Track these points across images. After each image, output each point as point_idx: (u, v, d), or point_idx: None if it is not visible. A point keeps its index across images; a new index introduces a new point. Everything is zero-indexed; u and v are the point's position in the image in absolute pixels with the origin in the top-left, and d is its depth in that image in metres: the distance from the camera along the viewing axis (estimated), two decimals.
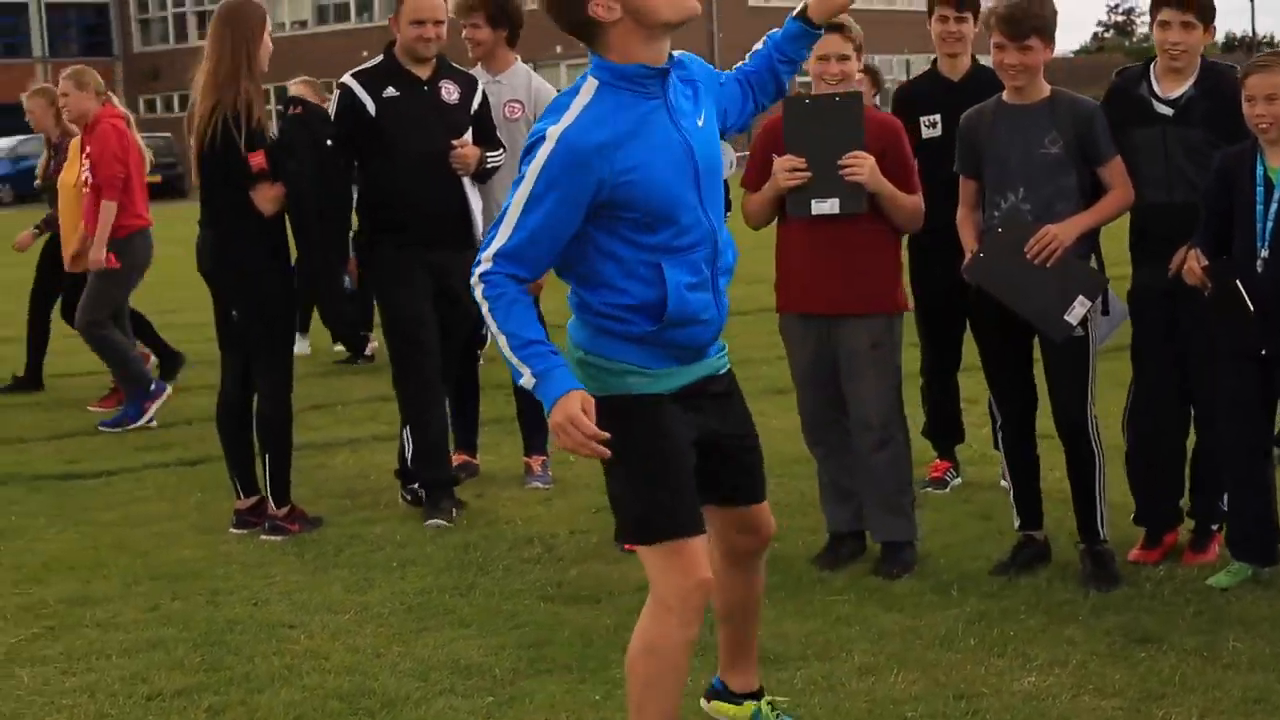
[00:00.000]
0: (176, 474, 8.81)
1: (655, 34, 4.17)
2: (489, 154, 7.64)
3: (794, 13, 4.80)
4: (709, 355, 4.46)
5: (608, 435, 4.05)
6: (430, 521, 7.51)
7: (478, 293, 4.13)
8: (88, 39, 65.43)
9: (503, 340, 4.11)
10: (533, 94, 8.10)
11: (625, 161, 4.11)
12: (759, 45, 4.86)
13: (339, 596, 6.49)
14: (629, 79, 4.16)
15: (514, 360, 4.11)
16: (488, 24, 7.99)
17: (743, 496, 4.62)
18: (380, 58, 7.74)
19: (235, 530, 7.50)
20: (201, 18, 61.20)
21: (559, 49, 45.64)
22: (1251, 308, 5.91)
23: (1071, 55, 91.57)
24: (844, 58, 6.42)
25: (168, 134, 41.87)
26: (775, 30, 4.84)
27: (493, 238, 4.15)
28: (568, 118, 4.11)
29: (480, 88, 7.78)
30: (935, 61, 7.80)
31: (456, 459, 8.19)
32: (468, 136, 7.62)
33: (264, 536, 7.38)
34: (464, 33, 8.05)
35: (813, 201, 6.42)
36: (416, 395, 7.70)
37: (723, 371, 4.54)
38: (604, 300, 4.24)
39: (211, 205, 7.40)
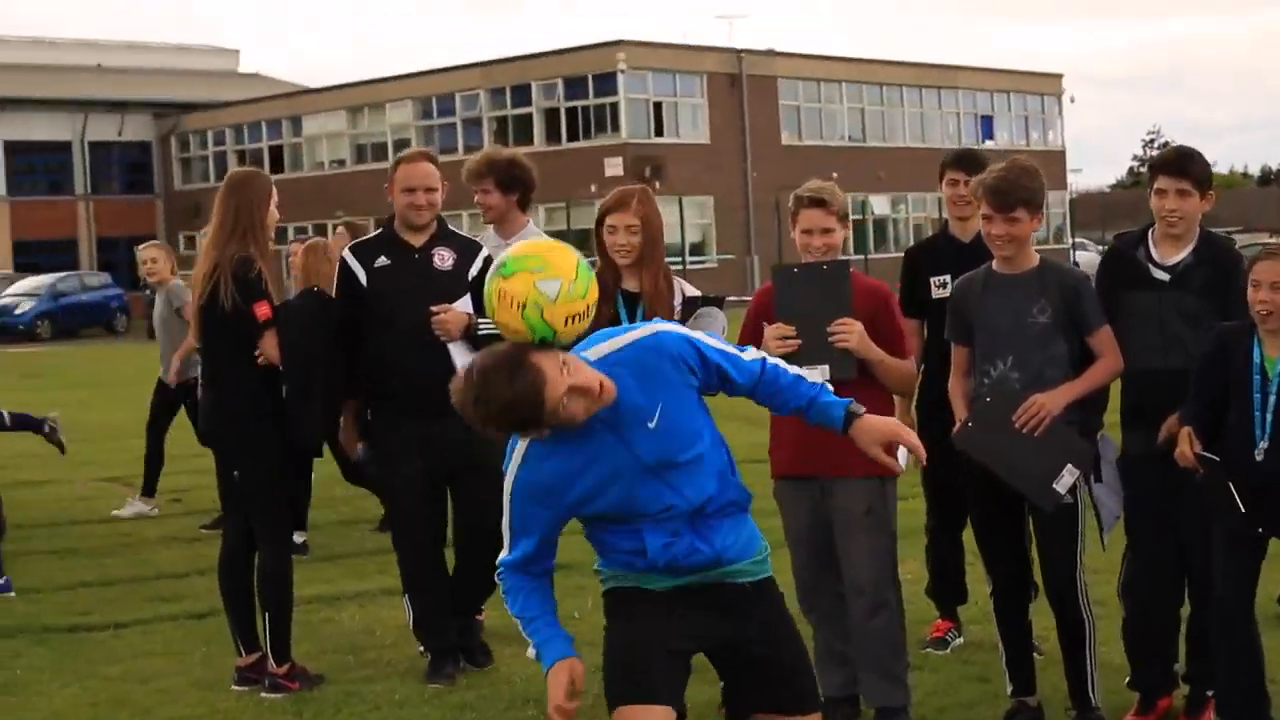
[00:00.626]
0: (184, 627, 8.84)
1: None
2: (486, 320, 7.59)
3: (853, 407, 4.91)
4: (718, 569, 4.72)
5: (571, 707, 4.49)
6: (431, 684, 7.52)
7: (500, 587, 4.72)
8: (129, 177, 66.36)
9: (520, 622, 4.72)
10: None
11: (573, 492, 4.52)
12: (790, 388, 4.93)
13: None
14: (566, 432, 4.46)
15: (526, 634, 4.74)
16: (498, 189, 8.05)
17: (787, 706, 4.72)
18: (380, 229, 7.84)
19: (236, 687, 7.53)
20: (241, 156, 62.23)
21: (594, 188, 46.35)
22: (1243, 508, 5.91)
23: (1108, 190, 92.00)
24: (827, 230, 6.51)
25: None
26: (817, 392, 4.92)
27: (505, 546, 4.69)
28: (515, 459, 4.55)
29: (482, 254, 7.74)
30: (947, 223, 7.89)
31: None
32: (462, 303, 7.58)
33: (264, 694, 7.40)
34: (475, 198, 8.10)
35: (803, 369, 6.46)
36: (412, 564, 7.74)
37: (741, 580, 4.72)
38: (602, 554, 4.76)
39: (213, 364, 7.53)
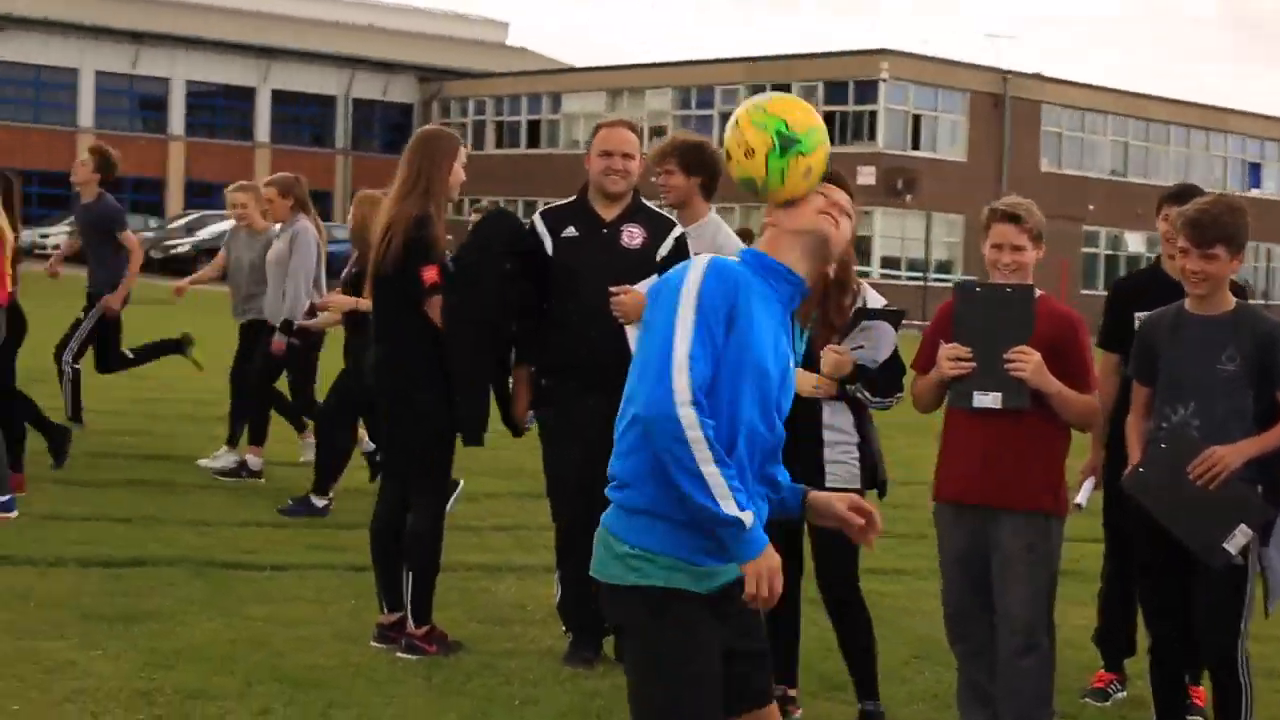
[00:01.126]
0: (340, 577, 8.81)
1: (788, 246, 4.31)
2: None
3: (809, 497, 4.56)
4: None
5: None
6: (568, 666, 7.40)
7: (693, 418, 3.98)
8: (390, 136, 67.54)
9: (712, 469, 4.00)
10: (717, 248, 7.65)
11: (746, 309, 4.13)
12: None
13: None
14: (772, 273, 4.27)
15: (724, 491, 4.00)
16: (681, 171, 7.65)
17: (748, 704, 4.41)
18: (575, 197, 7.66)
19: (374, 644, 7.48)
20: (499, 127, 62.97)
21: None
22: None
23: None
24: (1018, 248, 6.20)
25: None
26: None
27: (669, 388, 4.00)
28: (700, 261, 4.18)
29: (674, 233, 7.51)
30: (1159, 258, 7.53)
31: None
32: (646, 284, 7.22)
33: (399, 654, 7.35)
34: (658, 179, 7.74)
35: (975, 393, 6.20)
36: (564, 541, 7.63)
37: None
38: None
39: (382, 321, 7.47)
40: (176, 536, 9.61)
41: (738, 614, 4.28)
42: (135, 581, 8.37)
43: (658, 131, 57.33)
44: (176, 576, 8.53)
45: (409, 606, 7.44)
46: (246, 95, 63.62)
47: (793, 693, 6.93)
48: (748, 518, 4.02)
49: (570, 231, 7.48)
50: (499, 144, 63.17)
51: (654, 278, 7.29)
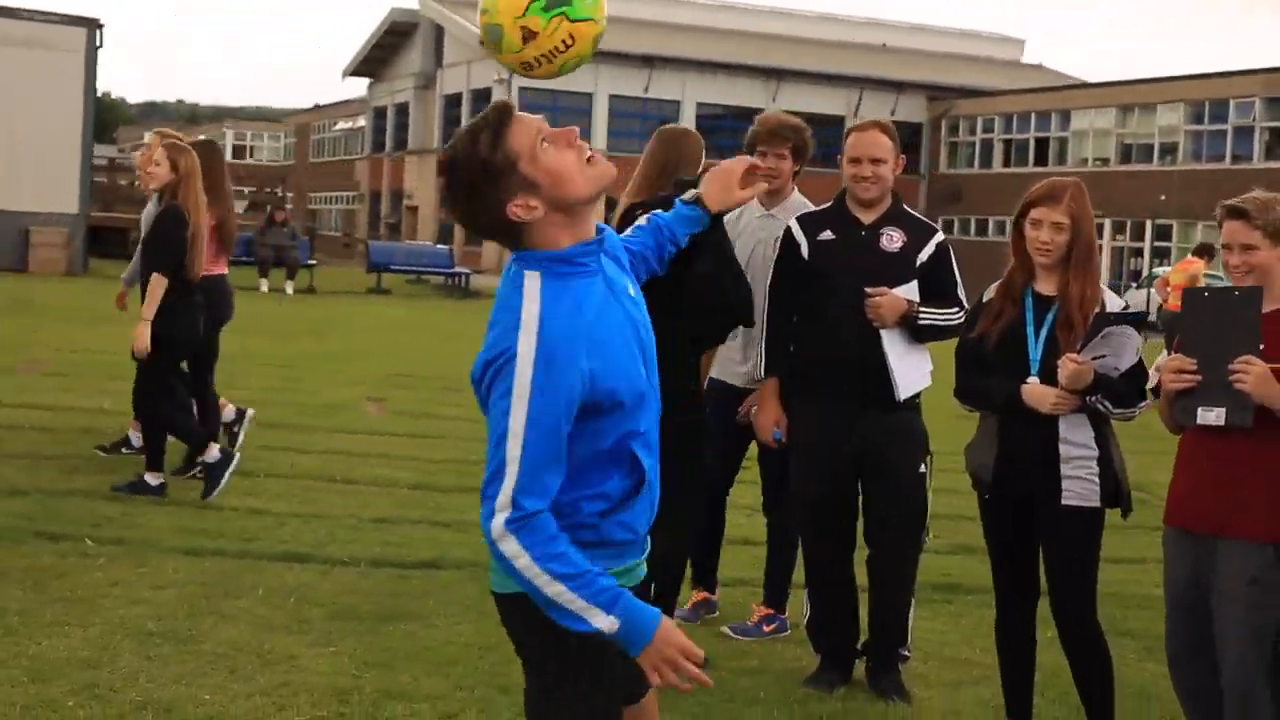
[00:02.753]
0: None
1: (579, 213, 3.73)
2: (933, 310, 7.02)
3: (685, 196, 4.41)
4: (641, 554, 3.94)
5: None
6: (806, 688, 7.06)
7: (509, 547, 3.52)
8: (823, 149, 67.29)
9: (557, 589, 3.51)
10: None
11: (597, 350, 3.63)
12: (643, 221, 4.41)
13: None
14: (567, 260, 3.70)
15: (579, 604, 3.51)
16: (792, 156, 7.72)
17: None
18: (831, 202, 7.33)
19: None
20: (1007, 145, 62.01)
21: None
22: None
23: None
24: (1248, 247, 5.55)
25: None
26: (660, 212, 4.47)
27: (497, 484, 3.56)
28: (529, 323, 3.59)
29: (935, 238, 7.15)
30: None
31: (696, 597, 8.13)
32: (905, 289, 6.99)
33: None
34: (765, 160, 7.64)
35: (1199, 409, 5.57)
36: (814, 560, 7.30)
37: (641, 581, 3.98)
38: (576, 502, 3.70)
39: None
40: (431, 537, 9.65)
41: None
42: (416, 583, 8.39)
43: (1169, 147, 55.44)
44: (454, 579, 8.52)
45: None
46: (754, 116, 64.43)
47: None
48: (612, 625, 3.51)
49: (827, 234, 7.17)
50: (1006, 163, 62.17)
51: (914, 283, 6.98)
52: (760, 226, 7.74)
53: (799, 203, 7.83)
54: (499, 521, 3.52)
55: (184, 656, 6.81)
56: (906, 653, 7.28)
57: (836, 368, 7.05)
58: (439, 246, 48.96)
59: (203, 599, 7.77)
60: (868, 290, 6.94)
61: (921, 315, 6.98)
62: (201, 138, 11.71)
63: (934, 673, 7.45)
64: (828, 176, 58.39)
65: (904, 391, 7.00)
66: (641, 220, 4.48)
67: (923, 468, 7.10)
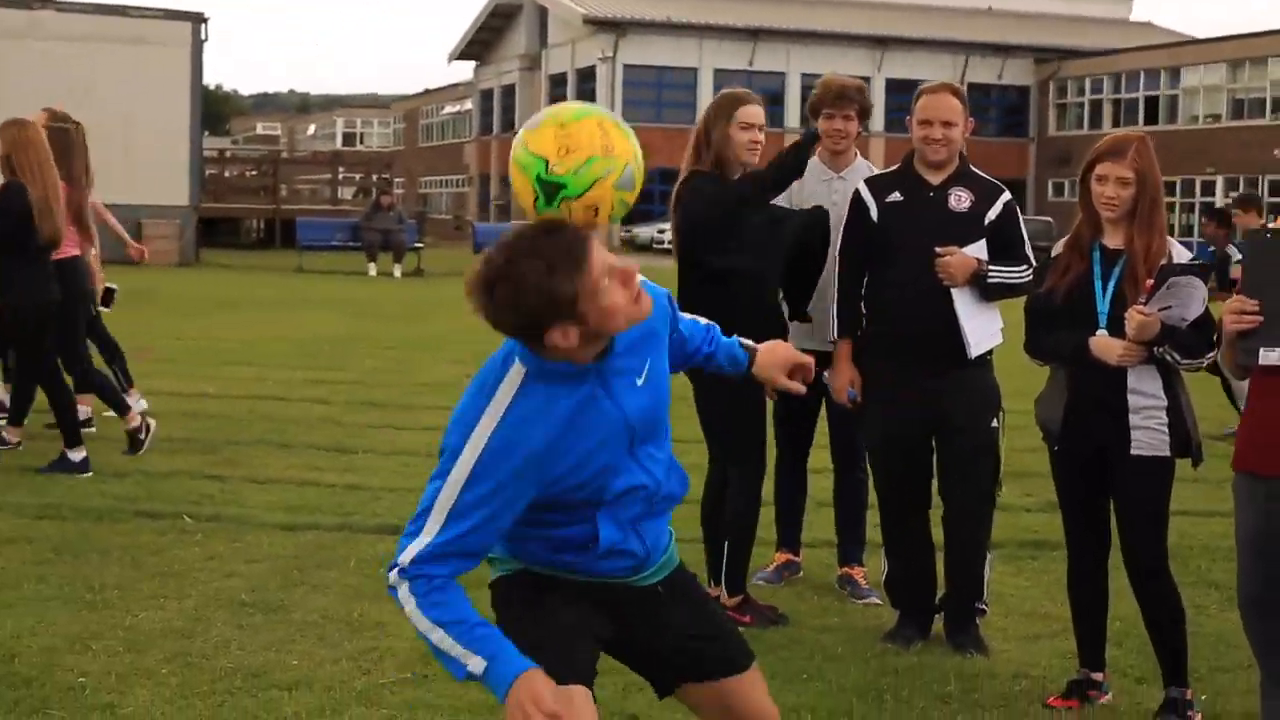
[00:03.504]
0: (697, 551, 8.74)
1: (601, 340, 3.73)
2: (1002, 268, 7.07)
3: (744, 344, 4.49)
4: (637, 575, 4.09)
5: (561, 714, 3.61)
6: (884, 644, 7.12)
7: (400, 592, 3.66)
8: (1005, 119, 66.86)
9: (439, 634, 3.63)
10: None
11: (561, 463, 3.72)
12: (699, 328, 4.46)
13: None
14: (561, 374, 3.72)
15: (458, 649, 3.63)
16: (858, 118, 7.81)
17: (717, 672, 4.19)
18: (899, 163, 7.38)
19: None
20: (1116, 105, 61.35)
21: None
22: None
23: None
24: None
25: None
26: (721, 334, 4.55)
27: (410, 537, 3.68)
28: (496, 411, 3.68)
29: (1003, 198, 7.18)
30: None
31: (780, 558, 8.16)
32: (974, 248, 7.04)
33: None
34: (832, 123, 7.79)
35: (1261, 350, 5.58)
36: (891, 522, 7.38)
37: (653, 581, 4.13)
38: (517, 544, 3.95)
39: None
40: None
41: (636, 606, 4.10)
42: None
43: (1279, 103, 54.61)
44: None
45: (724, 576, 7.39)
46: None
47: (1097, 676, 6.43)
48: (480, 665, 3.61)
49: (895, 196, 7.22)
50: (1116, 123, 61.49)
51: (982, 242, 7.03)
52: (829, 189, 7.81)
53: (864, 165, 7.91)
54: (395, 572, 3.68)
55: (274, 625, 7.00)
56: (984, 607, 7.34)
57: (908, 327, 7.10)
58: None
59: (295, 570, 7.97)
60: (937, 249, 6.99)
61: (991, 273, 7.02)
62: (59, 124, 11.67)
63: (1013, 626, 7.49)
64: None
65: (975, 349, 7.04)
66: (702, 319, 4.50)
67: (995, 423, 7.15)
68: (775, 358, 4.44)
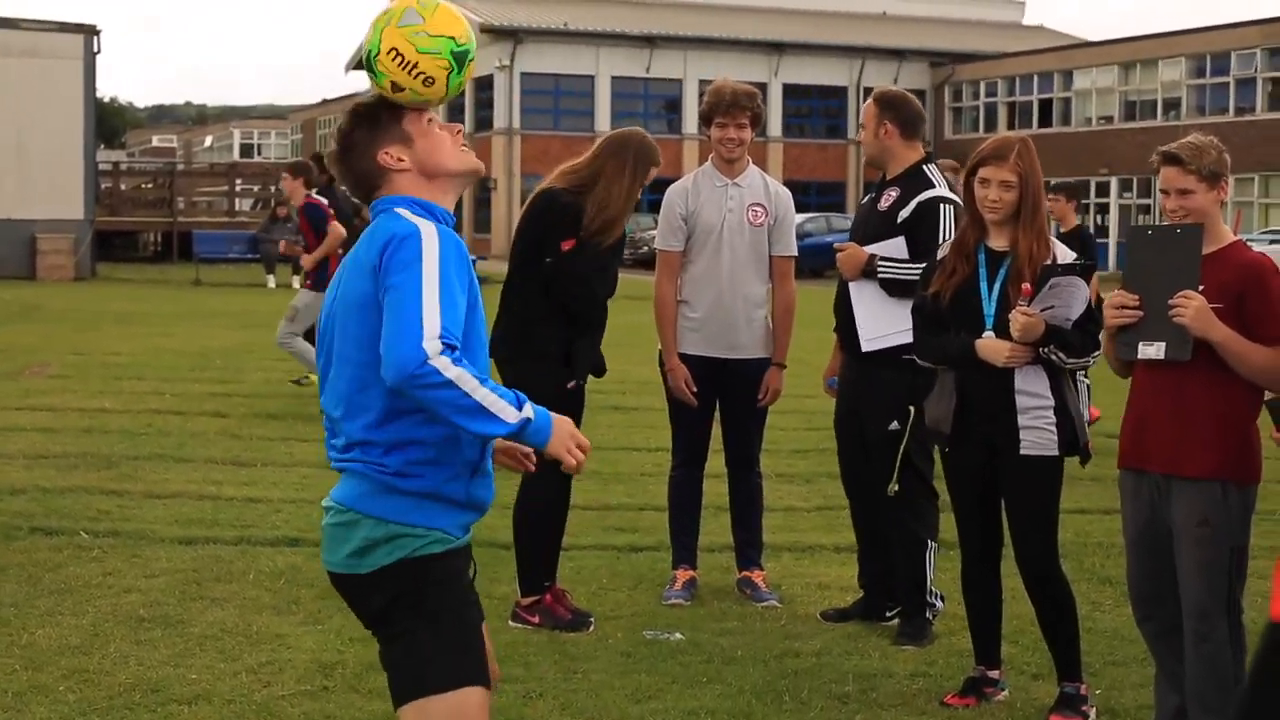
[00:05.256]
0: (624, 560, 8.78)
1: (440, 185, 4.09)
2: (894, 263, 7.25)
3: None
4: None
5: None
6: (899, 645, 7.27)
7: (453, 372, 3.72)
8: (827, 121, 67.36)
9: (483, 392, 3.75)
10: (772, 196, 8.01)
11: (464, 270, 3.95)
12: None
13: (620, 706, 6.30)
14: (441, 217, 4.04)
15: (500, 404, 3.77)
16: (750, 125, 7.91)
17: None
18: None
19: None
20: (1011, 108, 61.92)
21: None
22: None
23: None
24: (1184, 191, 5.68)
25: None
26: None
27: (417, 330, 3.75)
28: (426, 220, 3.96)
29: (920, 196, 7.38)
30: None
31: (683, 575, 8.12)
32: (890, 244, 7.34)
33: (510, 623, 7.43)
34: (725, 131, 7.91)
35: (1140, 344, 5.71)
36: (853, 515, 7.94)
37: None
38: (414, 450, 3.94)
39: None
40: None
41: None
42: None
43: (1171, 102, 55.35)
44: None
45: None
46: (759, 91, 64.40)
47: (994, 674, 6.54)
48: (529, 411, 3.81)
49: (868, 196, 7.82)
50: (1011, 125, 61.99)
51: (900, 239, 7.28)
52: (727, 196, 7.91)
53: (756, 173, 8.03)
54: (435, 350, 3.71)
55: (173, 640, 6.98)
56: (933, 601, 7.50)
57: (836, 319, 7.58)
58: None
59: (194, 585, 7.94)
60: (835, 245, 7.40)
61: (881, 268, 7.25)
62: None
63: None
64: (831, 148, 58.60)
65: (868, 344, 7.24)
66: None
67: (894, 424, 7.26)
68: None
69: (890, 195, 7.41)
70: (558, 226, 7.32)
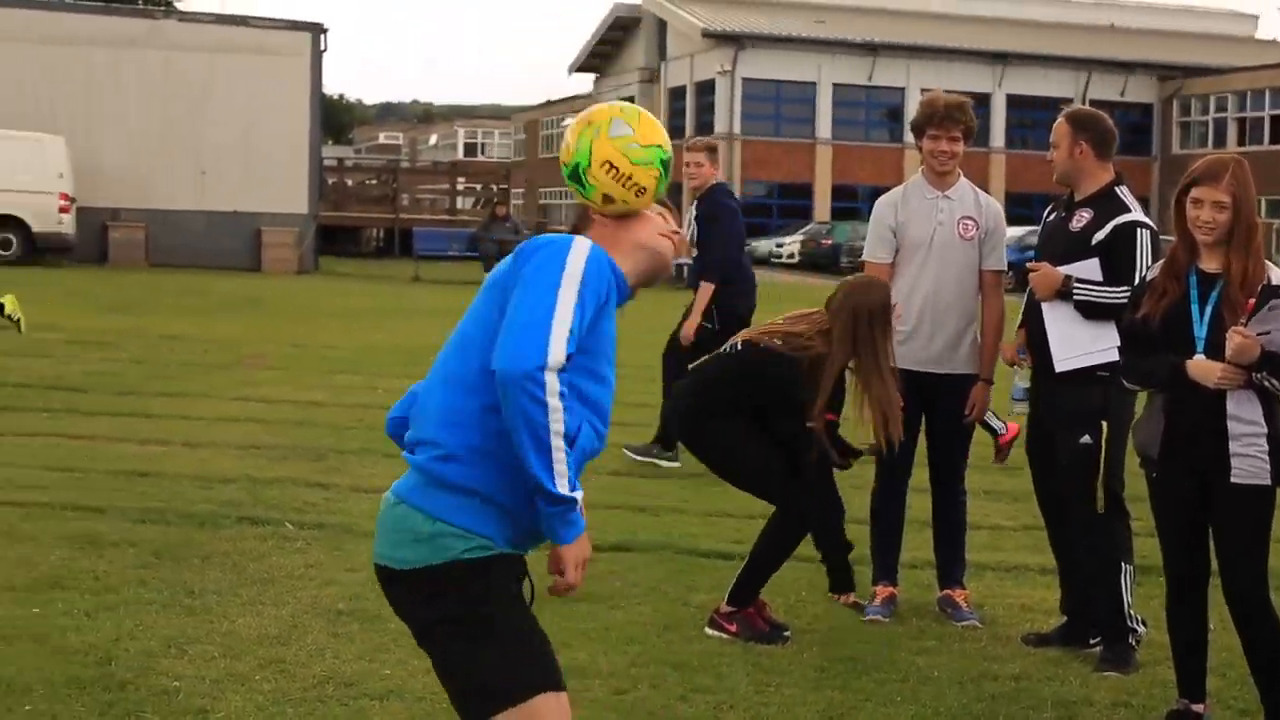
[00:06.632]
0: (801, 569, 8.63)
1: (626, 250, 4.14)
2: (1091, 286, 7.13)
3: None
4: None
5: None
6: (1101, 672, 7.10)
7: (552, 399, 3.73)
8: (1127, 137, 65.91)
9: (559, 442, 3.75)
10: (983, 209, 7.88)
11: (609, 309, 3.99)
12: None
13: None
14: (620, 282, 4.04)
15: (564, 468, 3.77)
16: (963, 138, 7.83)
17: None
18: None
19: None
20: (1241, 124, 60.41)
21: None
22: None
23: None
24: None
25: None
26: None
27: (544, 340, 3.75)
28: (579, 253, 3.93)
29: (1117, 219, 7.20)
30: None
31: (883, 592, 8.01)
32: (1083, 265, 7.16)
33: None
34: (937, 143, 7.82)
35: None
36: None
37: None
38: (478, 458, 3.92)
39: None
40: (649, 523, 9.78)
41: None
42: (604, 566, 8.36)
43: None
44: (640, 562, 8.63)
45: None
46: (982, 101, 63.59)
47: (1198, 708, 6.32)
48: (579, 498, 3.82)
49: (1053, 215, 7.57)
50: (1241, 141, 60.54)
51: (1094, 261, 7.13)
52: (938, 208, 7.81)
53: (967, 186, 7.90)
54: (556, 364, 3.72)
55: (369, 634, 7.03)
56: (1135, 626, 7.26)
57: (1029, 339, 7.44)
58: None
59: None
60: (1028, 265, 7.25)
61: (1077, 290, 7.16)
62: None
63: None
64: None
65: (1061, 364, 7.14)
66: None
67: (1087, 439, 7.11)
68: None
69: (1083, 216, 7.26)
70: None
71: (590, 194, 4.08)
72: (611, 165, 4.04)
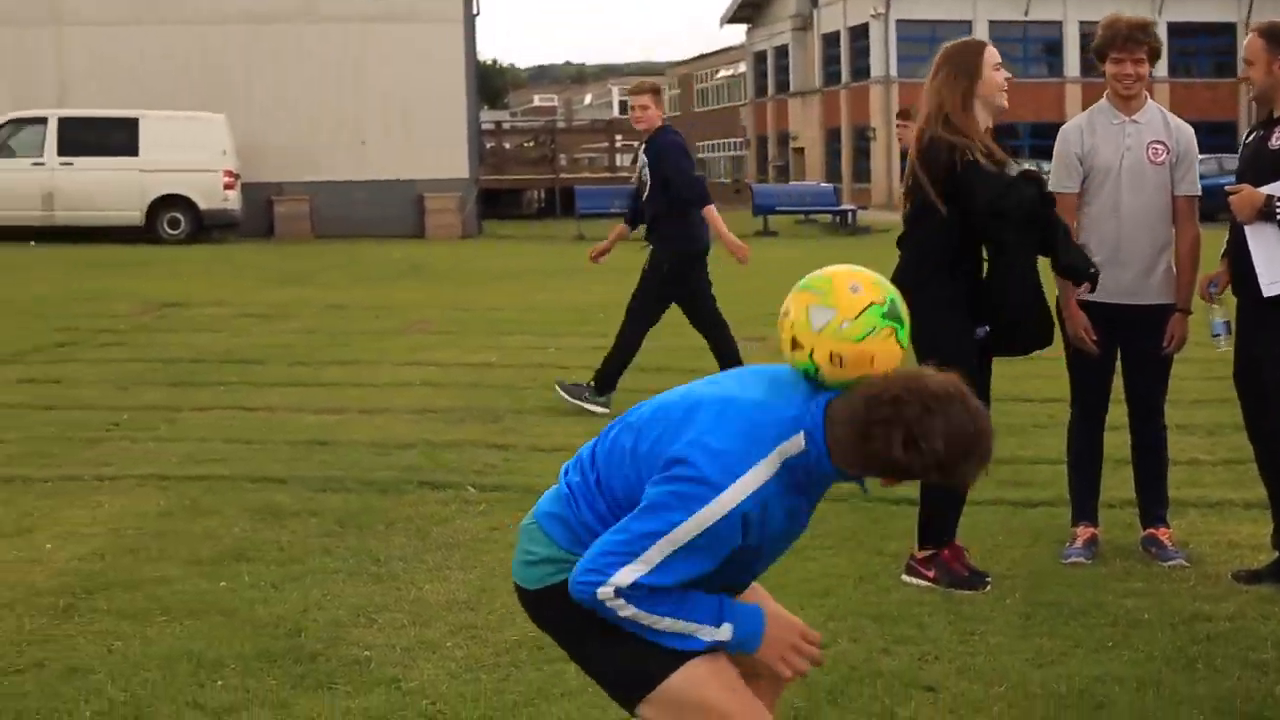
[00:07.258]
0: (1019, 516, 8.42)
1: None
2: None
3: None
4: None
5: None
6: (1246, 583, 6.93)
7: (625, 611, 3.61)
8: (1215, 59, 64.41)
9: (666, 623, 3.63)
10: (1173, 133, 7.47)
11: (759, 532, 3.67)
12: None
13: (1021, 670, 5.97)
14: (815, 479, 3.72)
15: (689, 626, 3.65)
16: (1148, 60, 7.43)
17: None
18: None
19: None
20: None
21: None
22: None
23: None
24: None
25: None
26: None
27: (622, 561, 3.58)
28: (757, 477, 3.60)
29: None
30: None
31: (1084, 533, 7.69)
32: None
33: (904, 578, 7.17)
34: (1122, 67, 7.41)
35: None
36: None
37: None
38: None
39: None
40: None
41: None
42: None
43: None
44: (831, 511, 8.36)
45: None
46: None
47: None
48: (725, 632, 3.66)
49: (1253, 136, 7.25)
50: None
51: None
52: (1125, 133, 7.47)
53: (1155, 109, 7.56)
54: (610, 591, 3.58)
55: None
56: None
57: (1231, 266, 7.17)
58: (823, 185, 48.86)
59: None
60: (1227, 188, 6.94)
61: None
62: None
63: None
64: (1219, 86, 56.55)
65: (1270, 288, 6.84)
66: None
67: None
68: (778, 643, 3.83)
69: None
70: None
71: (843, 386, 3.70)
72: (839, 357, 3.67)
